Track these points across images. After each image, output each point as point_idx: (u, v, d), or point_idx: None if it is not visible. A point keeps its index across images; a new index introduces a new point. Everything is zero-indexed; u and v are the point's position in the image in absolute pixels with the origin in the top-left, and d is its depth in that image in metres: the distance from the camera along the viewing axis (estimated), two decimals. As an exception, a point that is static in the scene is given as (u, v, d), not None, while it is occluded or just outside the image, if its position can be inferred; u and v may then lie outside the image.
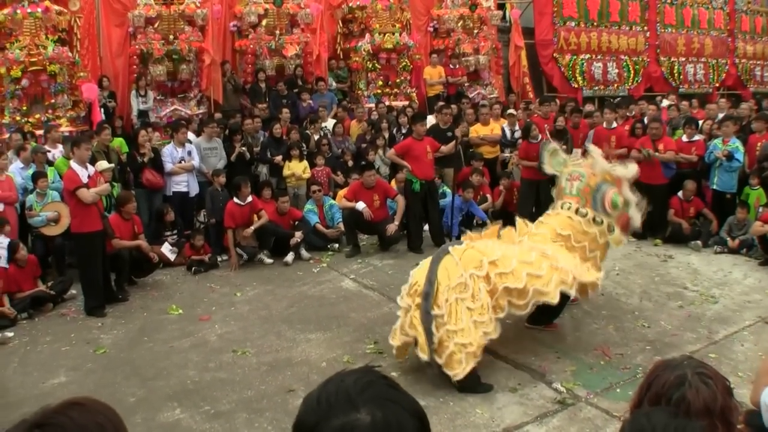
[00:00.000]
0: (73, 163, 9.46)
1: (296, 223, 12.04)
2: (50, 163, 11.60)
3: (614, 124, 13.82)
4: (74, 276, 10.17)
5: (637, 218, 8.03)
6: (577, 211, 7.95)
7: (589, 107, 16.62)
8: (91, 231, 9.42)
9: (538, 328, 8.37)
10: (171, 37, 14.81)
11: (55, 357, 8.10)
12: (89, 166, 9.65)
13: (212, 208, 12.06)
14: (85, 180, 9.32)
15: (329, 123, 15.24)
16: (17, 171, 11.13)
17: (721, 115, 14.86)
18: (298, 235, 11.65)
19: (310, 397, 1.59)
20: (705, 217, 12.61)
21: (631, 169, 8.13)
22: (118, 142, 12.64)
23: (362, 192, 11.96)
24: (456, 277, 6.86)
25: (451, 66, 18.44)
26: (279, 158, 13.34)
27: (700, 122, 14.41)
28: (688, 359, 2.62)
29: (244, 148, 12.98)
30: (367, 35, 17.23)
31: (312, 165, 13.59)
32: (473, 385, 6.89)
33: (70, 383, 7.37)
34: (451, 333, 6.73)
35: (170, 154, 12.45)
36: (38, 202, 10.74)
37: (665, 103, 18.57)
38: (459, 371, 6.72)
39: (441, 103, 15.40)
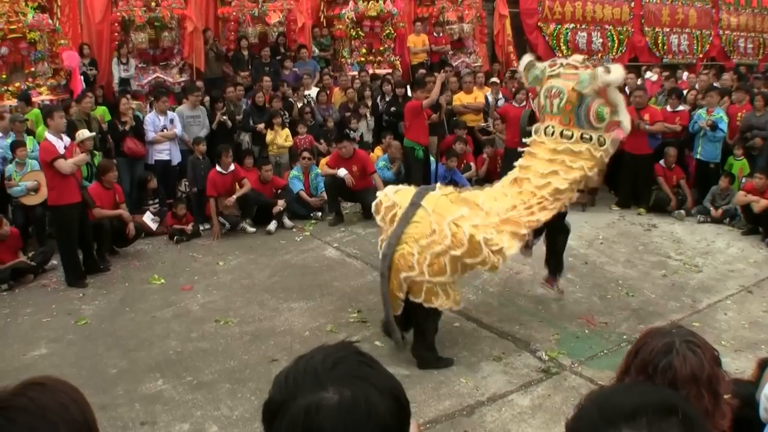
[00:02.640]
0: (48, 134, 9.30)
1: (279, 191, 11.97)
2: (30, 132, 11.45)
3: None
4: (55, 246, 10.05)
5: (626, 121, 7.56)
6: (561, 134, 7.49)
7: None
8: (68, 203, 9.29)
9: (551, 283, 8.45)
10: (153, 4, 14.62)
11: (35, 328, 8.03)
12: (65, 137, 9.51)
13: (194, 177, 11.97)
14: (61, 151, 9.19)
15: (312, 91, 15.12)
16: (-5, 140, 10.98)
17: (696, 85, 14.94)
18: (281, 204, 11.58)
19: (280, 375, 1.55)
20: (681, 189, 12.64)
21: (616, 72, 7.40)
22: (101, 111, 12.47)
23: (342, 161, 11.91)
24: (428, 231, 6.58)
25: (435, 34, 18.28)
26: (261, 126, 13.23)
27: (684, 92, 14.42)
28: (678, 328, 2.61)
29: (225, 117, 12.85)
30: (351, 3, 17.09)
31: (294, 133, 13.50)
32: (432, 360, 6.85)
33: (51, 355, 7.32)
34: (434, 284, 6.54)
35: (152, 122, 12.31)
36: (17, 171, 10.60)
37: (648, 75, 18.56)
38: (439, 302, 6.58)
39: (422, 71, 15.35)
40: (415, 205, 6.79)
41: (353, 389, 1.45)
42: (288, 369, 1.54)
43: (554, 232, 8.25)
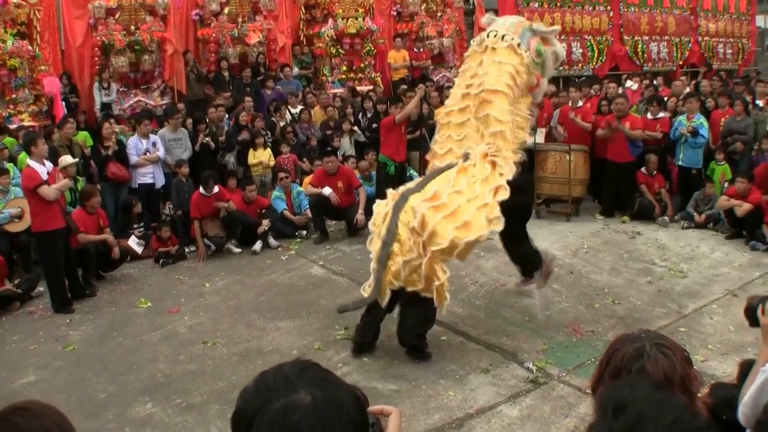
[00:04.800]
0: (30, 161, 9.28)
1: (263, 211, 11.98)
2: (12, 159, 11.42)
3: (579, 103, 13.81)
4: (41, 273, 10.00)
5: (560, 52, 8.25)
6: (503, 38, 7.80)
7: (550, 87, 16.66)
8: (53, 229, 9.24)
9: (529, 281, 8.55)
10: (132, 27, 14.65)
11: (23, 356, 7.99)
12: (47, 163, 9.51)
13: (177, 200, 11.99)
14: (44, 177, 9.17)
15: (295, 110, 15.15)
16: (-23, 168, 10.93)
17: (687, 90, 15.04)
18: (266, 224, 11.59)
19: (248, 388, 1.61)
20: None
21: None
22: (83, 136, 12.45)
23: (326, 178, 11.93)
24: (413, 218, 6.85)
25: (415, 49, 18.37)
26: (245, 135, 13.27)
27: (665, 99, 14.51)
28: (646, 332, 2.67)
29: (207, 138, 12.85)
30: (330, 21, 17.16)
31: (277, 153, 13.51)
32: (422, 349, 7.24)
33: (39, 382, 7.29)
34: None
35: (135, 146, 12.32)
36: (0, 199, 10.58)
37: (629, 84, 18.66)
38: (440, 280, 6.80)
39: (404, 87, 15.41)
40: (404, 197, 7.04)
41: (324, 391, 1.53)
42: (256, 381, 1.61)
43: (510, 239, 8.40)
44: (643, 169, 12.63)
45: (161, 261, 11.10)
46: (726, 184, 11.98)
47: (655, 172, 12.68)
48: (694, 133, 12.29)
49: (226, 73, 15.75)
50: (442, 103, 14.90)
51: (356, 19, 17.32)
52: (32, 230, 9.62)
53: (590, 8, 23.15)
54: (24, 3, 13.67)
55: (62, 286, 9.48)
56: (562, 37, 22.05)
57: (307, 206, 12.27)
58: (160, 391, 6.90)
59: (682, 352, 2.55)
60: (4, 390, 7.11)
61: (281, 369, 1.61)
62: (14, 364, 7.79)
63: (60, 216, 9.40)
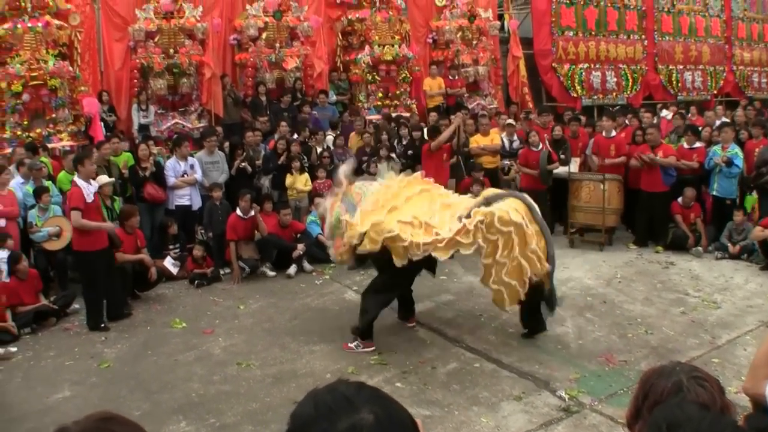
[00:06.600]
0: (78, 180, 9.43)
1: (298, 235, 12.05)
2: (51, 178, 11.60)
3: (613, 133, 13.76)
4: (77, 290, 10.16)
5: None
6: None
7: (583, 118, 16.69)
8: (92, 249, 9.38)
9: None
10: (171, 50, 14.82)
11: (58, 371, 8.10)
12: (93, 182, 9.65)
13: (210, 222, 12.11)
14: (90, 198, 9.34)
15: (329, 137, 15.25)
16: (18, 186, 11.10)
17: (718, 122, 14.96)
18: (301, 248, 11.67)
19: (303, 412, 1.57)
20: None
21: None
22: (126, 157, 12.62)
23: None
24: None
25: (451, 77, 18.45)
26: (282, 159, 13.46)
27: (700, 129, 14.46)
28: (680, 365, 2.68)
29: (244, 163, 12.99)
30: (367, 47, 17.28)
31: (313, 178, 13.60)
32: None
33: (74, 397, 7.37)
34: None
35: (173, 167, 12.48)
36: (40, 216, 10.74)
37: (665, 113, 18.62)
38: None
39: (434, 114, 15.53)
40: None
41: (383, 408, 1.54)
42: (311, 403, 1.58)
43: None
44: (679, 200, 12.56)
45: (196, 282, 11.21)
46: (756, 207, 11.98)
47: (691, 203, 12.60)
48: (729, 163, 12.25)
49: (263, 98, 15.87)
50: (477, 131, 15.09)
51: (392, 46, 17.43)
52: (72, 248, 9.76)
53: (624, 37, 23.23)
54: (66, 25, 13.96)
55: (99, 306, 9.57)
56: (597, 66, 22.19)
57: (342, 231, 12.30)
58: (194, 410, 6.96)
59: (718, 383, 2.57)
60: (39, 404, 7.20)
61: (336, 389, 1.59)
62: (50, 379, 7.90)
63: (103, 236, 9.54)
